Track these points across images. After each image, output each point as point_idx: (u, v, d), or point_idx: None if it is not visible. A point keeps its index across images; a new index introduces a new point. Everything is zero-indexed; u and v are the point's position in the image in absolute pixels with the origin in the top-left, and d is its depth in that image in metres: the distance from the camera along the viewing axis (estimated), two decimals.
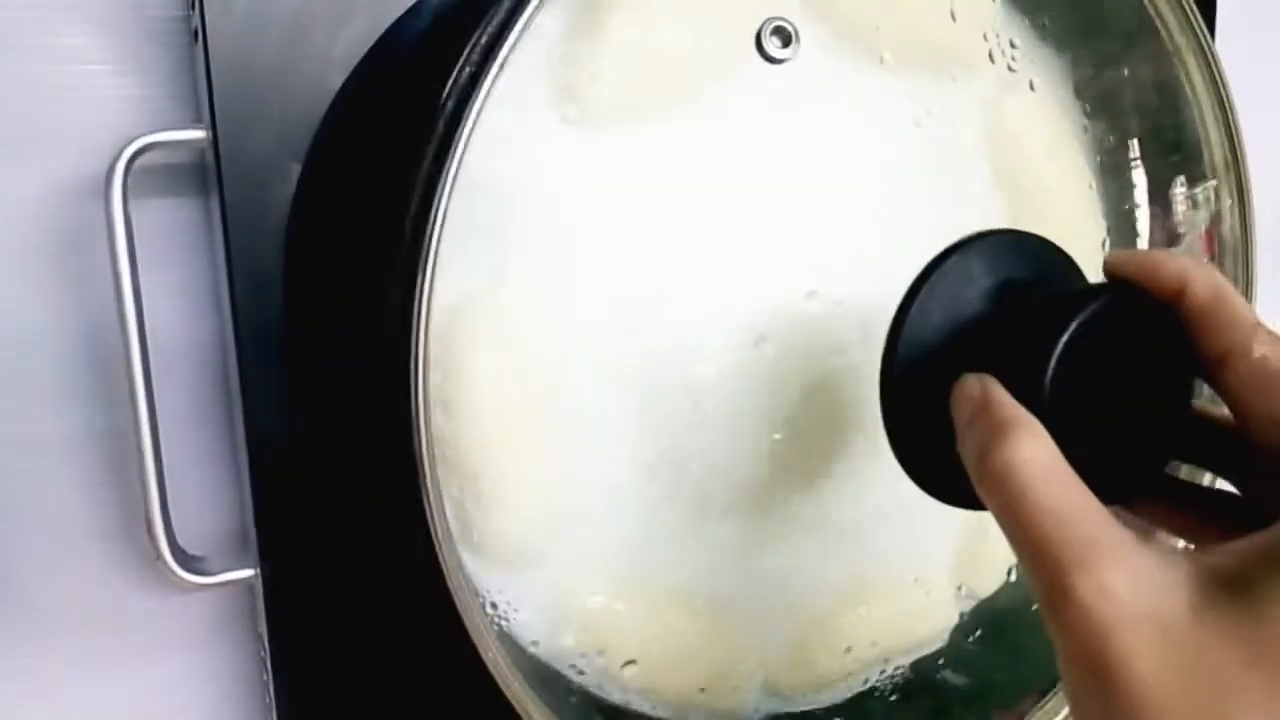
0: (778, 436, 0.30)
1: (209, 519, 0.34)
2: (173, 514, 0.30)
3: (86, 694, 0.33)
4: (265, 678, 0.32)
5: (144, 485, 0.29)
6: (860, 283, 0.29)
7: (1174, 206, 0.36)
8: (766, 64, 0.28)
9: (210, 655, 0.35)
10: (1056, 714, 0.34)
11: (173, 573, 0.30)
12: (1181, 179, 0.35)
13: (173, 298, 0.33)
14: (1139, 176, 0.36)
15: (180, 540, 0.31)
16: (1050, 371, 0.24)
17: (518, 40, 0.24)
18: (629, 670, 0.30)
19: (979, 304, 0.27)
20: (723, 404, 0.29)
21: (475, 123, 0.24)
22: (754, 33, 0.28)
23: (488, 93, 0.24)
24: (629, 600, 0.30)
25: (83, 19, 0.31)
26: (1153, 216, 0.36)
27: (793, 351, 0.29)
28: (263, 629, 0.31)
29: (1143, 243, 0.36)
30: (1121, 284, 0.25)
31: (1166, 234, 0.36)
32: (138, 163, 0.29)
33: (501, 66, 0.24)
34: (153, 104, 0.32)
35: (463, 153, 0.24)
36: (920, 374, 0.26)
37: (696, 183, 0.29)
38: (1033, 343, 0.24)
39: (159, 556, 0.30)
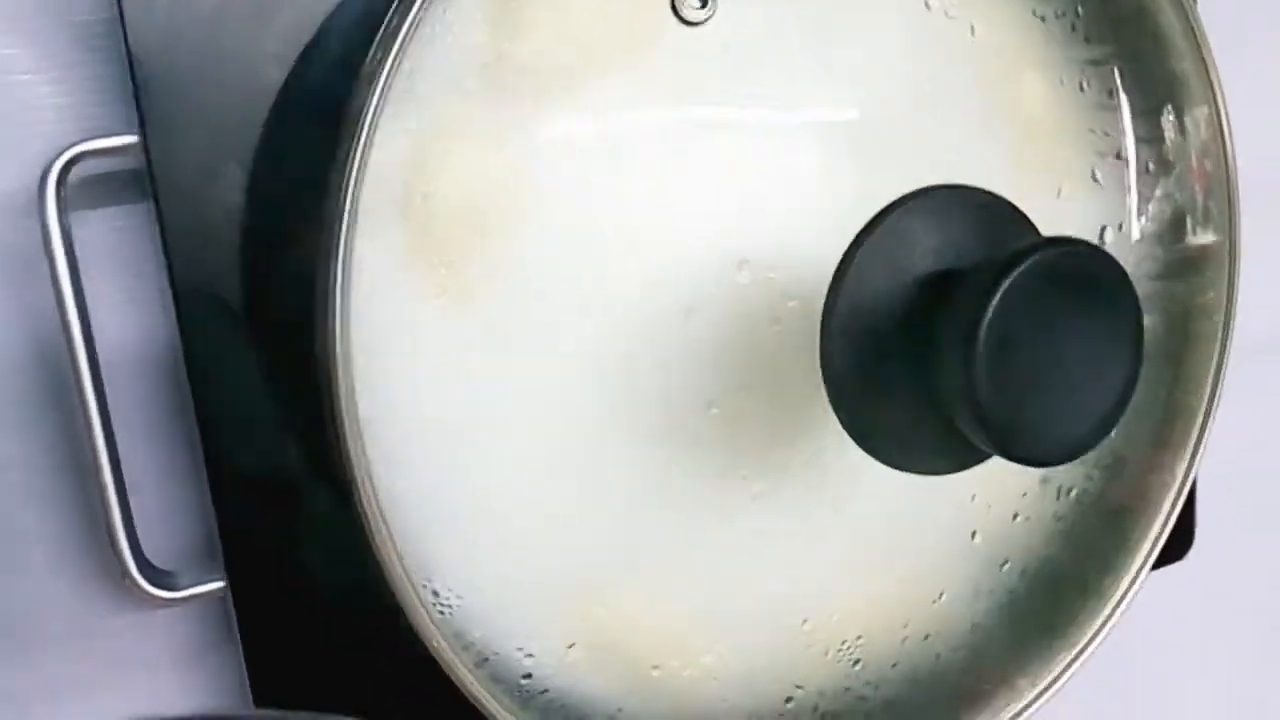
0: (715, 411, 0.29)
1: (179, 530, 0.33)
2: (141, 528, 0.30)
3: (62, 716, 0.33)
4: (244, 689, 0.32)
5: (104, 501, 0.29)
6: (794, 249, 0.28)
7: (1164, 134, 0.35)
8: (684, 27, 0.27)
9: (191, 669, 0.34)
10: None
11: (141, 589, 0.30)
12: (1170, 107, 0.34)
13: (126, 306, 0.32)
14: (1123, 105, 0.34)
15: (152, 554, 0.30)
16: (984, 328, 0.23)
17: (415, 25, 0.24)
18: (574, 652, 0.30)
19: (919, 265, 0.26)
20: (655, 375, 0.29)
21: (379, 110, 0.24)
22: None
23: (388, 77, 0.24)
24: (566, 578, 0.30)
25: (8, 29, 0.31)
26: (1142, 147, 0.35)
27: (725, 322, 0.29)
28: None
29: (1131, 173, 0.35)
30: (1064, 239, 0.25)
31: (1158, 163, 0.35)
32: (82, 173, 0.29)
33: (399, 54, 0.24)
34: (87, 111, 0.31)
35: (366, 143, 0.24)
36: (860, 338, 0.26)
37: (617, 153, 0.28)
38: (969, 303, 0.24)
39: (125, 574, 0.30)
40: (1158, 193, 0.35)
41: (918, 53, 0.30)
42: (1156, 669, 0.50)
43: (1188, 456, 0.35)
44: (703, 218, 0.29)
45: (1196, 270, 0.35)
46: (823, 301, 0.26)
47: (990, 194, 0.27)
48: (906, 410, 0.26)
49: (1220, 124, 0.34)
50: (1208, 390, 0.35)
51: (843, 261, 0.26)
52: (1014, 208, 0.27)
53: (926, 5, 0.30)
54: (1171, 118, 0.35)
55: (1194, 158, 0.35)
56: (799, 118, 0.29)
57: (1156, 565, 0.35)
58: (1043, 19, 0.32)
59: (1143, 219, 0.35)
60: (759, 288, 0.28)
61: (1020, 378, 0.24)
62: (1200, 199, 0.35)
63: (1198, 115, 0.34)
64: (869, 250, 0.26)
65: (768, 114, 0.29)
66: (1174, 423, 0.35)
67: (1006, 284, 0.23)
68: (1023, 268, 0.23)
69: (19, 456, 0.32)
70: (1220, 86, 0.33)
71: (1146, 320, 0.26)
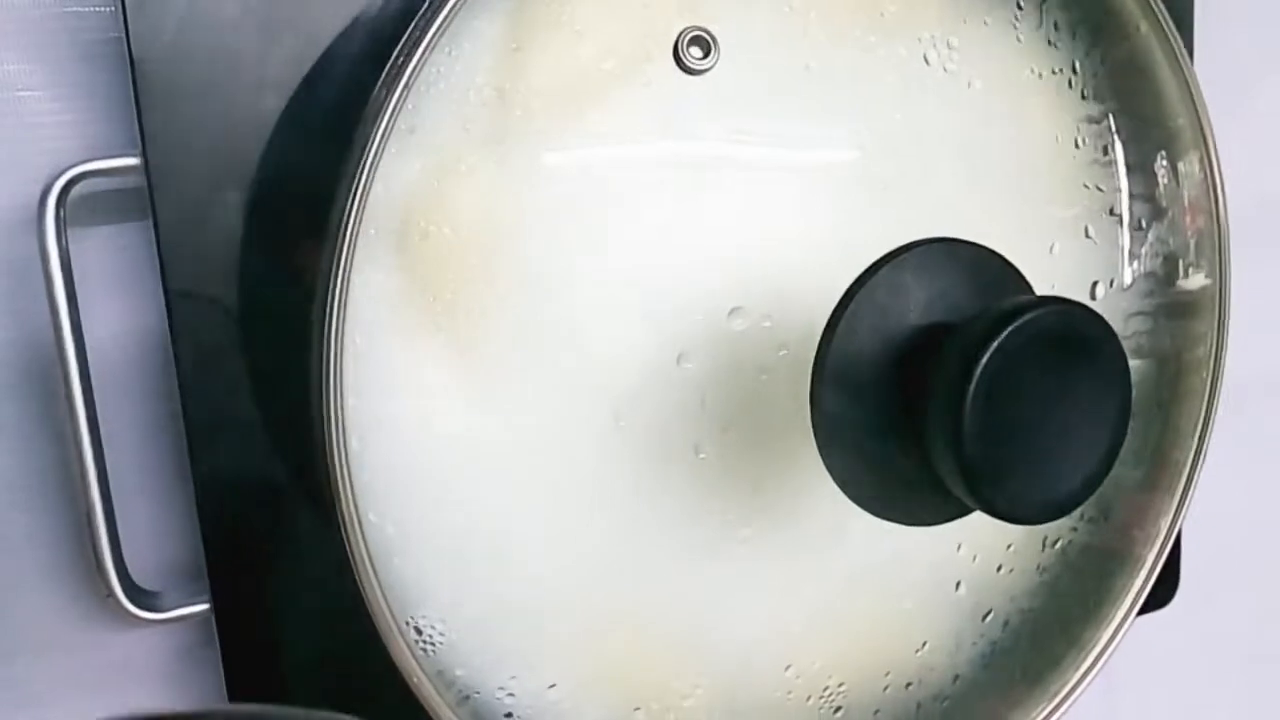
0: (703, 455, 0.29)
1: (168, 546, 0.33)
2: (129, 546, 0.30)
3: None
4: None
5: (90, 521, 0.29)
6: (787, 298, 0.28)
7: (1157, 183, 0.35)
8: (686, 75, 0.27)
9: (174, 690, 0.34)
10: None
11: (124, 609, 0.30)
12: (1163, 153, 0.35)
13: (123, 323, 0.32)
14: (1118, 160, 0.35)
15: (137, 572, 0.30)
16: (973, 387, 0.23)
17: (421, 64, 0.24)
18: (554, 693, 0.30)
19: (911, 317, 0.26)
20: (644, 419, 0.29)
21: (382, 148, 0.24)
22: (672, 42, 0.27)
23: (393, 116, 0.24)
24: (549, 618, 0.30)
25: (16, 45, 0.31)
26: (1136, 203, 0.35)
27: (716, 369, 0.29)
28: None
29: (1124, 229, 0.35)
30: (1055, 299, 0.25)
31: (1150, 215, 0.35)
32: (85, 189, 0.29)
33: (404, 92, 0.24)
34: (90, 128, 0.31)
35: (367, 182, 0.24)
36: (850, 388, 0.26)
37: (615, 198, 0.28)
38: (958, 359, 0.24)
39: (110, 593, 0.30)
40: (1150, 239, 0.35)
41: (917, 107, 0.30)
42: (1139, 715, 0.49)
43: (1174, 508, 0.35)
44: (699, 264, 0.29)
45: (1187, 315, 0.35)
46: (813, 351, 0.26)
47: (984, 248, 0.27)
48: (893, 461, 0.26)
49: (1212, 174, 0.34)
50: (1194, 443, 0.35)
51: (835, 313, 0.26)
52: (1007, 262, 0.27)
53: (926, 60, 0.30)
54: (1164, 163, 0.35)
55: (1186, 206, 0.35)
56: (797, 168, 0.29)
57: (1141, 612, 0.36)
58: (1040, 76, 0.32)
59: (1135, 264, 0.35)
60: (751, 336, 0.28)
61: (1007, 436, 0.24)
62: (1191, 246, 0.35)
63: (1190, 164, 0.34)
64: (861, 302, 0.26)
65: (765, 163, 0.29)
66: (1161, 475, 0.35)
67: (996, 342, 0.23)
68: (1013, 327, 0.23)
69: (9, 470, 0.32)
70: (1213, 139, 0.34)
71: (1137, 365, 0.26)
